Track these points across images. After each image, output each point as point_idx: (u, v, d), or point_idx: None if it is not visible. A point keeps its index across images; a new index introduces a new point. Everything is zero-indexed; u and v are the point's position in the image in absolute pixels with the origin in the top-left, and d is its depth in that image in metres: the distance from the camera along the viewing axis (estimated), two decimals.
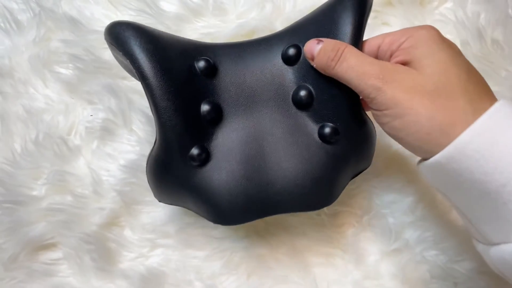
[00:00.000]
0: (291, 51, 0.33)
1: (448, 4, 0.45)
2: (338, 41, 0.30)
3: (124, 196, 0.40)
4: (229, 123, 0.33)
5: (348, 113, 0.32)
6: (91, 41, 0.42)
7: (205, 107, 0.32)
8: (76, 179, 0.40)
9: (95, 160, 0.41)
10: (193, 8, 0.43)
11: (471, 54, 0.42)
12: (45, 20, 0.43)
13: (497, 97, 0.27)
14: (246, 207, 0.31)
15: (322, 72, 0.31)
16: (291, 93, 0.33)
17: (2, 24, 0.43)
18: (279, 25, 0.42)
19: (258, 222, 0.39)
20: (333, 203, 0.33)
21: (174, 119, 0.30)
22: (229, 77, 0.33)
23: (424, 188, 0.40)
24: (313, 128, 0.33)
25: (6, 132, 0.41)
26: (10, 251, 0.38)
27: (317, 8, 0.34)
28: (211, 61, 0.33)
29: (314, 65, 0.31)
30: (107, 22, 0.43)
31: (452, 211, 0.40)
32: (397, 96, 0.26)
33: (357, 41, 0.31)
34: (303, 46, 0.32)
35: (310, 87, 0.32)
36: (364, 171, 0.36)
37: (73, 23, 0.43)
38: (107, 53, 0.42)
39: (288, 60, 0.33)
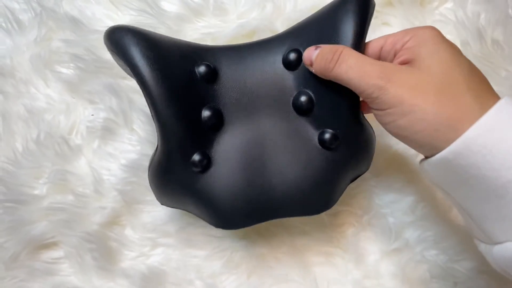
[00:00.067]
0: (292, 56, 0.33)
1: (448, 4, 0.45)
2: (335, 45, 0.30)
3: (125, 195, 0.40)
4: (230, 128, 0.33)
5: (348, 119, 0.32)
6: (92, 41, 0.42)
7: (206, 113, 0.32)
8: (77, 178, 0.41)
9: (96, 160, 0.41)
10: (194, 8, 0.43)
11: (471, 54, 0.42)
12: (47, 20, 0.43)
13: None
14: (247, 211, 0.32)
15: (322, 76, 0.31)
16: (292, 98, 0.33)
17: (3, 24, 0.43)
18: (280, 25, 0.42)
19: None
20: None
21: (175, 126, 0.30)
22: (230, 82, 0.33)
23: (424, 188, 0.40)
24: (313, 133, 0.33)
25: (8, 132, 0.41)
26: (11, 250, 0.38)
27: (319, 11, 0.34)
28: (211, 66, 0.33)
29: (313, 71, 0.31)
30: (108, 22, 0.44)
31: (452, 211, 0.40)
32: (401, 94, 0.26)
33: (359, 44, 0.31)
34: (304, 50, 0.32)
35: (311, 93, 0.32)
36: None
37: (74, 23, 0.43)
38: (108, 53, 0.41)
39: (289, 65, 0.33)
